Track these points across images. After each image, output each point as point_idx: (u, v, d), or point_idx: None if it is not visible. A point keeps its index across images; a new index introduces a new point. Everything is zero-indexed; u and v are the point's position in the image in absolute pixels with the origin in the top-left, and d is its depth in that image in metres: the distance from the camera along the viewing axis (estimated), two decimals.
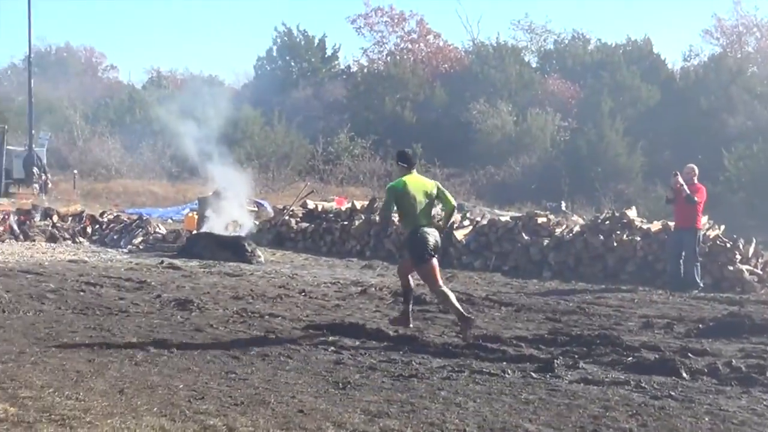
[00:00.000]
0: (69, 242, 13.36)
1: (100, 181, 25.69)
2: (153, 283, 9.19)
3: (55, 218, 14.05)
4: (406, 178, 6.95)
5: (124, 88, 38.54)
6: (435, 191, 6.97)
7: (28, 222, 13.66)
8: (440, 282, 6.85)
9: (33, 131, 23.05)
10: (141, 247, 13.27)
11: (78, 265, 10.80)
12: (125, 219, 14.86)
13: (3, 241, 12.70)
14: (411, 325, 6.94)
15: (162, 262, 11.39)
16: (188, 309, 7.68)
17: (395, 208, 6.86)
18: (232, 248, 12.10)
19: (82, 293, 8.42)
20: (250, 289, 9.09)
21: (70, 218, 14.36)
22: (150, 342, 6.13)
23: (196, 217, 15.56)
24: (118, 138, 28.97)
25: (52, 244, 13.01)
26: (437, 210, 7.62)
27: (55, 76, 37.70)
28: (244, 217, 14.34)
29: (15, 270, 9.86)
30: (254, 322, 7.16)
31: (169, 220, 18.28)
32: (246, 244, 12.24)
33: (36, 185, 21.77)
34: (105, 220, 14.64)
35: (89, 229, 14.09)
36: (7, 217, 13.49)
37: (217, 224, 14.09)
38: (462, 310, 6.74)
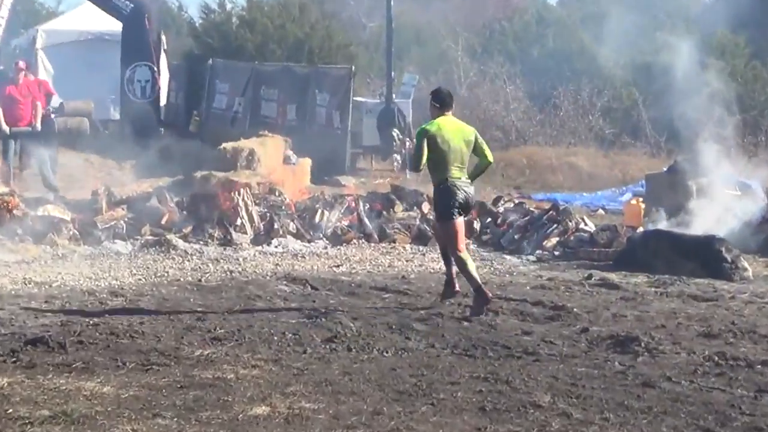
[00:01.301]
0: None
1: (493, 148, 26.86)
2: (576, 310, 9.57)
3: (425, 207, 14.87)
4: (440, 120, 9.75)
5: (530, 5, 40.08)
6: (473, 138, 9.81)
7: (385, 213, 14.83)
8: (462, 245, 9.72)
9: (393, 74, 24.50)
10: (556, 252, 13.74)
11: (460, 279, 11.68)
12: (532, 209, 15.46)
13: (349, 241, 14.00)
14: (457, 289, 9.86)
15: (589, 276, 11.78)
16: (631, 351, 7.92)
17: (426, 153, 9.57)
18: (700, 256, 12.18)
19: (466, 324, 9.08)
20: (731, 322, 9.15)
21: None
22: (572, 401, 6.43)
23: (643, 205, 15.74)
24: (520, 83, 30.09)
25: (421, 247, 13.92)
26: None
27: None
28: (725, 206, 14.31)
29: (366, 285, 10.96)
30: (739, 375, 7.22)
31: (600, 211, 18.81)
32: (723, 250, 12.22)
33: (397, 156, 23.01)
34: (501, 210, 15.29)
35: (477, 224, 14.74)
36: (354, 205, 14.89)
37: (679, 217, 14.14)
38: (480, 283, 9.61)
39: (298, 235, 14.02)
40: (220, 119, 26.05)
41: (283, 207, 14.68)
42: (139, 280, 11.10)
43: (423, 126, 9.89)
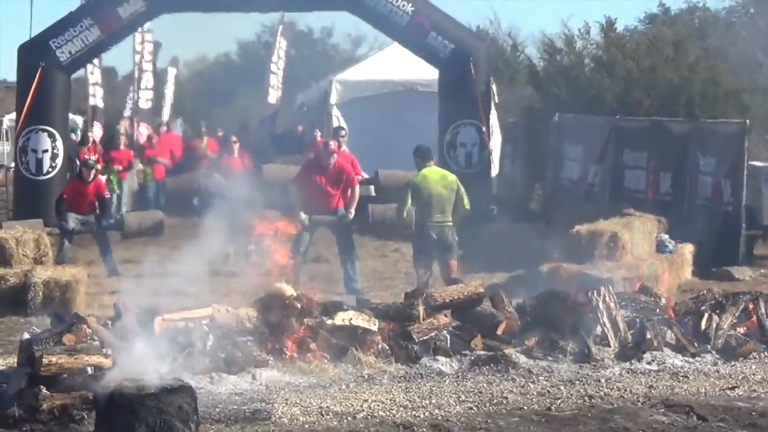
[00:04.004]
0: None
1: None
2: None
3: None
4: (425, 171, 16.33)
5: None
6: (455, 186, 16.26)
7: None
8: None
9: None
10: None
11: None
12: None
13: (747, 355, 13.80)
14: None
15: None
16: None
17: (411, 202, 16.18)
18: None
19: None
20: None
21: None
22: None
23: None
24: None
25: None
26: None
27: None
28: None
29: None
30: None
31: None
32: None
33: None
34: None
35: None
36: (752, 306, 14.57)
37: None
38: None
39: (678, 347, 13.91)
40: (570, 193, 26.26)
41: (658, 310, 14.62)
42: (470, 408, 11.31)
43: (410, 179, 16.57)
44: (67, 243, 20.64)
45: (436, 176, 16.47)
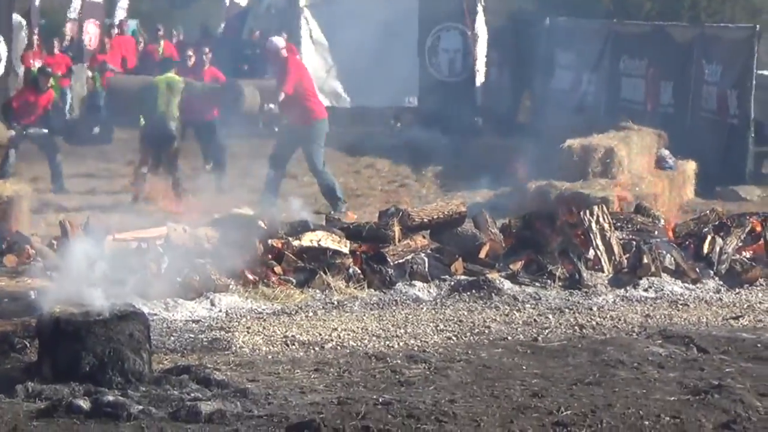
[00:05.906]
0: None
1: None
2: None
3: None
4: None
5: None
6: (180, 85, 19.95)
7: None
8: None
9: None
10: None
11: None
12: None
13: (753, 281, 13.70)
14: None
15: None
16: None
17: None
18: None
19: None
20: None
21: None
22: None
23: None
24: None
25: None
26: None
27: None
28: None
29: None
30: None
31: None
32: None
33: None
34: None
35: None
36: (759, 228, 14.52)
37: None
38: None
39: (677, 273, 13.90)
40: (561, 104, 26.18)
41: (656, 232, 14.62)
42: (449, 338, 11.29)
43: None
44: (13, 155, 20.35)
45: (164, 78, 19.88)
